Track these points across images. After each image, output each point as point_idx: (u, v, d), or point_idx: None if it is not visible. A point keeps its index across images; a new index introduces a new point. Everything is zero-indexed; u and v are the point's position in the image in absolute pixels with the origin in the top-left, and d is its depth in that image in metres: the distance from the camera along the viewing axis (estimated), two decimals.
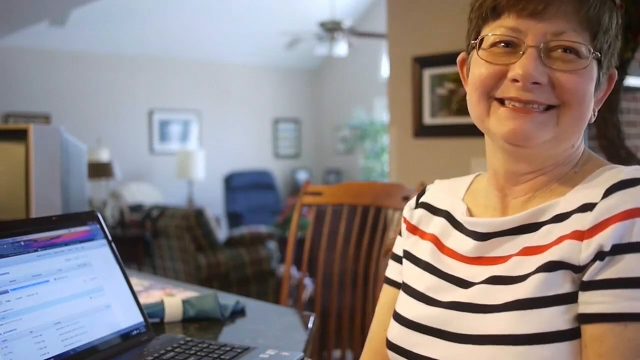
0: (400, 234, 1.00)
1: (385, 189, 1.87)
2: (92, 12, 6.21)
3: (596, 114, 0.82)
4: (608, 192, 0.71)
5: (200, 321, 1.27)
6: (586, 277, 0.70)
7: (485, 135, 0.85)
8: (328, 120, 9.04)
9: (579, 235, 0.71)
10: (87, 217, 1.11)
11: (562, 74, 0.76)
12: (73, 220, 1.07)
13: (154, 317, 1.24)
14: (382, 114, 7.74)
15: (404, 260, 0.95)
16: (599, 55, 0.77)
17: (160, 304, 1.27)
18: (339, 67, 8.70)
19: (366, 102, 8.23)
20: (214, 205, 7.61)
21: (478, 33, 0.81)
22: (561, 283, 0.72)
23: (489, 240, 0.82)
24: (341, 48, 6.49)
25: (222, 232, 5.60)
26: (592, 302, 0.69)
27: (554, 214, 0.76)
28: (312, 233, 1.98)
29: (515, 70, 0.76)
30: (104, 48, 7.18)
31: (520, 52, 0.76)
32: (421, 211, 0.96)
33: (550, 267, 0.73)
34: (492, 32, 0.79)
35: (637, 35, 2.08)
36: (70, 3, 5.43)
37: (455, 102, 2.80)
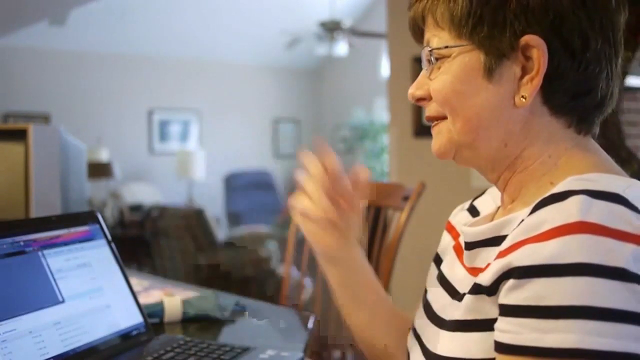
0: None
1: (385, 189, 1.87)
2: (92, 12, 6.20)
3: (531, 95, 0.68)
4: (535, 208, 0.61)
5: (200, 321, 1.27)
6: (500, 299, 0.61)
7: None
8: (328, 120, 9.04)
9: (499, 256, 0.63)
10: (86, 217, 1.10)
11: (432, 81, 0.74)
12: (73, 220, 1.07)
13: (153, 317, 1.24)
14: (382, 114, 7.74)
15: (432, 263, 0.93)
16: (461, 43, 0.70)
17: (160, 304, 1.26)
18: (339, 67, 8.70)
19: (366, 102, 8.22)
20: (214, 205, 7.61)
21: None
22: (480, 308, 0.65)
23: (473, 250, 0.77)
24: (341, 48, 6.48)
25: (222, 232, 5.60)
26: (501, 329, 0.60)
27: (513, 228, 0.67)
28: None
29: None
30: (104, 48, 7.18)
31: None
32: (466, 214, 0.90)
33: (475, 289, 0.66)
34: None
35: (637, 35, 2.08)
36: (70, 3, 5.43)
37: None
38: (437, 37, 0.72)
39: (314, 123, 9.17)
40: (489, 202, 0.88)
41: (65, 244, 1.03)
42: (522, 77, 0.68)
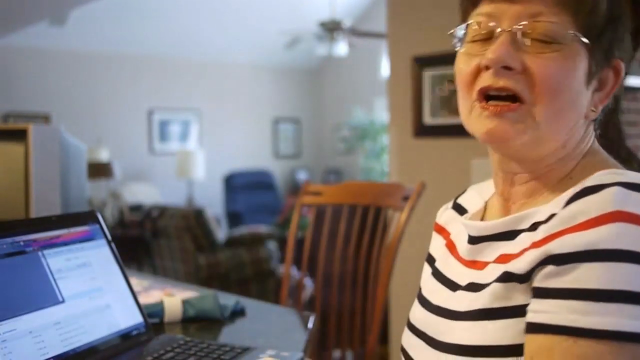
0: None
1: (385, 189, 1.87)
2: (92, 12, 6.20)
3: (599, 110, 0.74)
4: (569, 201, 0.64)
5: (200, 321, 1.27)
6: (535, 283, 0.64)
7: None
8: (328, 120, 9.04)
9: (533, 246, 0.66)
10: (86, 217, 1.10)
11: (534, 59, 0.69)
12: (73, 220, 1.07)
13: (153, 317, 1.24)
14: (382, 114, 7.74)
15: (425, 263, 0.94)
16: (586, 39, 0.70)
17: (160, 304, 1.26)
18: (339, 67, 8.70)
19: (366, 102, 8.22)
20: (213, 205, 7.61)
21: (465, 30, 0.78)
22: (510, 295, 0.67)
23: (478, 244, 0.79)
24: (341, 48, 6.48)
25: (222, 232, 5.60)
26: (538, 310, 0.63)
27: (532, 222, 0.71)
28: (312, 233, 1.98)
29: (487, 56, 0.70)
30: (104, 48, 7.18)
31: (493, 40, 0.71)
32: (452, 212, 0.92)
33: (504, 277, 0.68)
34: (475, 19, 0.74)
35: (637, 35, 2.07)
36: (70, 3, 5.43)
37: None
38: (557, 17, 0.69)
39: (314, 123, 9.17)
40: (475, 198, 0.90)
41: (65, 244, 1.03)
42: (599, 89, 0.74)
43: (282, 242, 4.80)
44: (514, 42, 0.70)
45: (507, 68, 0.70)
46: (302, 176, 8.66)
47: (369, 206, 1.85)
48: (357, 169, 8.42)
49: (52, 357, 0.90)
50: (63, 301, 0.97)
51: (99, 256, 1.08)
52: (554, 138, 0.73)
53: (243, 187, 8.01)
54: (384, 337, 2.95)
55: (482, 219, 0.85)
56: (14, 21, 5.69)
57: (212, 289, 1.51)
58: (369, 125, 7.80)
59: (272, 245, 4.61)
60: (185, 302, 1.28)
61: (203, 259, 4.28)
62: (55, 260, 1.00)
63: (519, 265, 0.66)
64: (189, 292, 1.47)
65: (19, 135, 1.39)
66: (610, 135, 2.21)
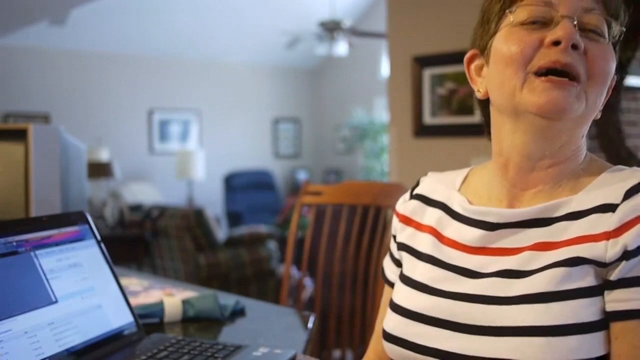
0: (393, 233, 1.00)
1: (385, 189, 1.87)
2: (92, 12, 6.21)
3: (601, 110, 0.82)
4: (630, 193, 0.73)
5: (200, 321, 1.27)
6: (614, 276, 0.71)
7: (499, 120, 0.84)
8: (328, 120, 9.04)
9: (605, 235, 0.73)
10: (76, 217, 1.10)
11: (594, 46, 0.78)
12: (63, 221, 1.07)
13: (153, 317, 1.24)
14: (382, 114, 7.74)
15: (402, 252, 0.95)
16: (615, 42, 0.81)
17: (160, 303, 1.26)
18: (339, 67, 8.70)
19: (366, 102, 8.23)
20: (214, 205, 7.62)
21: (500, 18, 0.82)
22: (583, 276, 0.73)
23: (497, 231, 0.82)
24: (341, 48, 6.48)
25: (222, 232, 5.60)
26: (622, 299, 0.71)
27: (568, 211, 0.77)
28: (312, 233, 1.98)
29: (557, 33, 0.76)
30: (104, 48, 7.18)
31: (553, 24, 0.78)
32: (415, 202, 0.96)
33: (572, 262, 0.73)
34: (524, 7, 0.80)
35: (637, 35, 2.08)
36: (71, 3, 5.43)
37: (455, 102, 2.80)
38: (614, 21, 0.80)
39: (314, 123, 9.17)
40: (439, 188, 0.94)
41: (57, 244, 1.03)
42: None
43: (282, 242, 4.80)
44: (575, 26, 0.77)
45: (574, 47, 0.76)
46: (302, 176, 8.66)
47: (369, 206, 1.85)
48: (357, 169, 8.42)
49: (48, 357, 0.90)
50: (56, 301, 0.97)
51: (89, 256, 1.08)
52: (590, 120, 0.82)
53: (243, 187, 8.01)
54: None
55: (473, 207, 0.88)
56: (14, 21, 5.69)
57: (212, 289, 1.51)
58: (369, 125, 7.80)
59: (272, 245, 4.61)
60: (185, 302, 1.28)
61: (203, 259, 4.28)
62: (48, 261, 0.99)
63: (596, 253, 0.72)
64: (189, 292, 1.47)
65: (19, 135, 1.39)
66: (610, 135, 2.22)
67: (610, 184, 0.76)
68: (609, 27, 0.79)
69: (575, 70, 0.76)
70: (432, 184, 0.97)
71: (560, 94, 0.76)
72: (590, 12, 0.78)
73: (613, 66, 0.79)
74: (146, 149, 7.68)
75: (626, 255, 0.70)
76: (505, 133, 0.83)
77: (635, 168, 0.78)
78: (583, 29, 0.77)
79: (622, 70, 2.15)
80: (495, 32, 0.82)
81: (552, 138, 0.80)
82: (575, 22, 0.76)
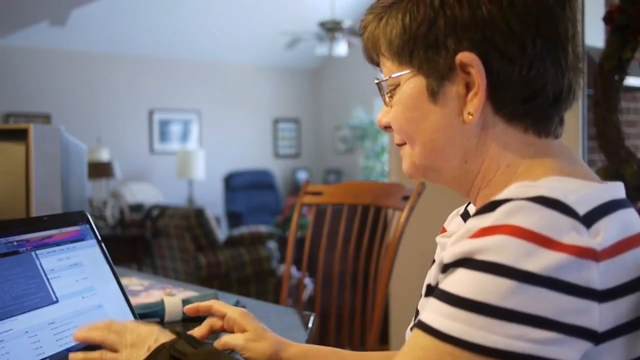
0: None
1: (385, 189, 1.87)
2: (92, 12, 6.21)
3: (474, 114, 0.68)
4: (476, 213, 0.62)
5: (200, 321, 1.27)
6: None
7: None
8: (328, 120, 9.04)
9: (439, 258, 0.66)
10: (77, 217, 1.11)
11: (390, 111, 0.75)
12: (63, 220, 1.07)
13: (154, 316, 1.24)
14: None
15: None
16: (409, 69, 0.71)
17: (161, 303, 1.27)
18: (339, 67, 8.70)
19: (366, 102, 8.22)
20: (214, 205, 7.62)
21: None
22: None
23: None
24: (341, 48, 6.48)
25: (222, 232, 5.61)
26: (424, 309, 0.64)
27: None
28: (312, 233, 1.98)
29: None
30: (104, 48, 7.19)
31: None
32: (459, 219, 0.86)
33: (426, 293, 0.72)
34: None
35: (637, 35, 2.08)
36: (71, 3, 5.43)
37: None
38: (385, 67, 0.74)
39: (314, 123, 9.17)
40: None
41: (57, 244, 1.03)
42: (467, 93, 0.68)
43: (282, 242, 4.81)
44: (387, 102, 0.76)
45: (386, 127, 0.77)
46: (302, 176, 8.67)
47: (369, 206, 1.85)
48: (357, 169, 8.42)
49: (48, 357, 0.90)
50: (57, 301, 0.97)
51: (89, 256, 1.08)
52: (441, 162, 0.74)
53: (243, 187, 8.02)
54: (384, 336, 2.95)
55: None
56: (15, 21, 5.69)
57: (212, 289, 1.51)
58: (369, 125, 7.81)
59: (272, 245, 4.61)
60: (185, 302, 1.28)
61: (203, 259, 4.28)
62: (48, 260, 1.00)
63: (430, 279, 0.68)
64: (189, 292, 1.48)
65: (20, 135, 1.39)
66: (609, 135, 2.22)
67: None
68: (399, 57, 0.72)
69: (398, 141, 0.77)
70: None
71: (402, 163, 0.78)
72: (381, 73, 0.76)
73: (404, 109, 0.72)
74: (146, 149, 7.68)
75: (443, 268, 0.62)
76: None
77: (523, 184, 0.63)
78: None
79: (622, 70, 2.15)
80: None
81: (449, 187, 0.78)
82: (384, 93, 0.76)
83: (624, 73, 2.16)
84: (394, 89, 0.73)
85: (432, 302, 0.61)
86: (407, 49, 0.70)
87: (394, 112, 0.74)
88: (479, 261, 0.58)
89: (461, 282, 0.59)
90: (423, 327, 0.61)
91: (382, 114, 0.77)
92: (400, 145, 0.77)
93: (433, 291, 0.64)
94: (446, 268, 0.61)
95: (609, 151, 2.19)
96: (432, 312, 0.60)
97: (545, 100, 0.68)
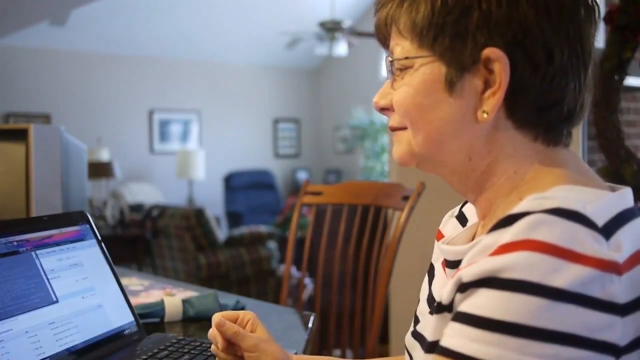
0: None
1: (385, 189, 1.87)
2: (92, 12, 6.21)
3: (489, 113, 0.66)
4: (492, 229, 0.60)
5: (200, 321, 1.27)
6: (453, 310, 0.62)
7: None
8: (328, 120, 9.04)
9: (454, 275, 0.63)
10: (77, 217, 1.11)
11: (394, 92, 0.71)
12: (63, 220, 1.07)
13: (154, 316, 1.24)
14: None
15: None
16: (429, 54, 0.68)
17: (161, 303, 1.27)
18: (339, 67, 8.70)
19: (366, 102, 8.22)
20: (214, 205, 7.62)
21: None
22: (442, 327, 0.63)
23: (455, 269, 0.74)
24: (341, 48, 6.48)
25: (222, 232, 5.61)
26: (444, 332, 0.61)
27: None
28: (312, 233, 1.98)
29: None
30: (104, 48, 7.19)
31: None
32: (455, 221, 0.85)
33: (438, 309, 0.66)
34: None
35: (637, 35, 2.08)
36: (71, 3, 5.43)
37: None
38: (400, 47, 0.70)
39: (314, 123, 9.17)
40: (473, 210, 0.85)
41: (57, 244, 1.03)
42: (484, 90, 0.66)
43: (282, 242, 4.81)
44: (390, 81, 0.73)
45: (384, 109, 0.74)
46: (302, 176, 8.67)
47: (369, 206, 1.85)
48: (357, 169, 8.42)
49: (48, 357, 0.90)
50: (57, 301, 0.97)
51: (89, 256, 1.09)
52: (443, 155, 0.71)
53: (243, 187, 8.02)
54: (384, 336, 2.95)
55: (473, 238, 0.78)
56: (15, 21, 5.69)
57: (212, 289, 1.52)
58: (369, 125, 7.81)
59: (272, 245, 4.61)
60: (185, 302, 1.28)
61: (203, 259, 4.28)
62: (48, 260, 1.00)
63: (444, 296, 0.63)
64: (189, 292, 1.48)
65: (20, 135, 1.39)
66: (609, 135, 2.22)
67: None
68: (418, 40, 0.69)
69: (395, 124, 0.73)
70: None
71: (394, 149, 0.75)
72: (393, 55, 0.71)
73: (417, 94, 0.69)
74: (146, 149, 7.68)
75: (460, 288, 0.60)
76: None
77: (536, 196, 0.61)
78: (395, 78, 0.72)
79: (622, 70, 2.15)
80: None
81: (443, 178, 0.75)
82: (388, 75, 0.73)
83: (624, 73, 2.16)
84: (404, 70, 0.70)
85: (455, 326, 0.58)
86: (431, 33, 0.67)
87: (401, 94, 0.70)
88: (505, 280, 0.55)
89: (488, 303, 0.56)
90: (450, 355, 0.57)
91: (381, 95, 0.74)
92: (396, 129, 0.73)
93: (445, 310, 0.63)
94: (465, 287, 0.58)
95: (609, 151, 2.19)
96: (458, 336, 0.57)
97: (560, 113, 0.67)
